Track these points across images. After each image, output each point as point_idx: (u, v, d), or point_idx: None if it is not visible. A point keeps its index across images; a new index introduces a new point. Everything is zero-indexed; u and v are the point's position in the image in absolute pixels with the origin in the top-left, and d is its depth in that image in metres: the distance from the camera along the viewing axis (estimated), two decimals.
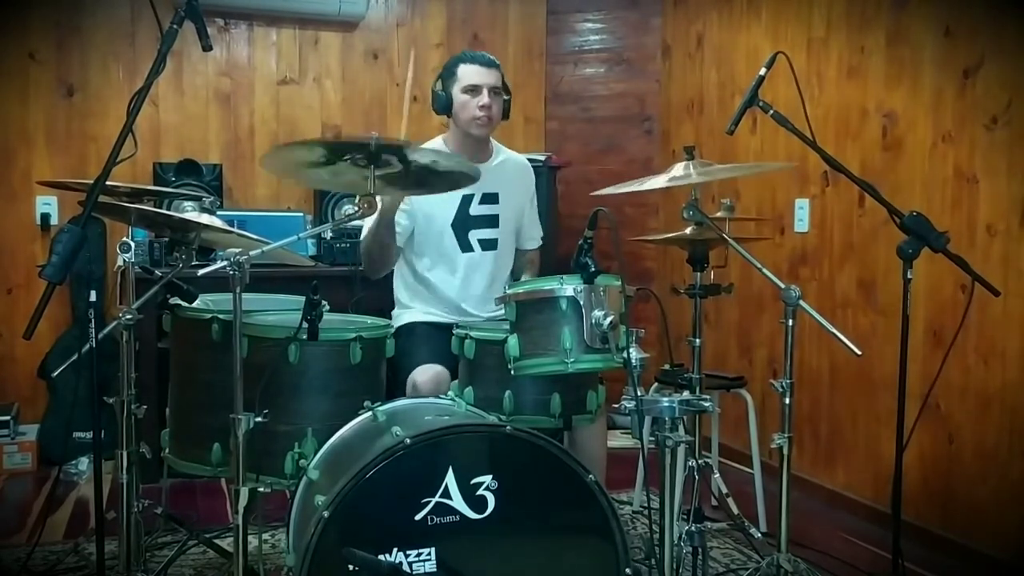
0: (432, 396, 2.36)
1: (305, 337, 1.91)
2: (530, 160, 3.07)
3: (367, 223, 2.62)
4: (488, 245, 2.76)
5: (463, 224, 2.73)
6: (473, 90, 2.68)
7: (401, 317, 2.78)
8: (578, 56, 4.75)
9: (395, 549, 1.73)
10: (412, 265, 2.78)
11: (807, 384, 3.51)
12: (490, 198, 2.76)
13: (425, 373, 2.45)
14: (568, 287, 1.99)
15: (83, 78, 4.03)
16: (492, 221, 2.77)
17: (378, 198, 2.19)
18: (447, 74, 2.75)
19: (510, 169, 2.86)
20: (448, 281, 2.74)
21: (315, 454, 1.97)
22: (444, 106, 2.74)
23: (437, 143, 2.83)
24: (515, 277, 2.89)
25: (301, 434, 1.99)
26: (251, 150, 4.30)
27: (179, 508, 2.99)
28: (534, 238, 2.98)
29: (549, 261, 3.36)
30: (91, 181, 1.85)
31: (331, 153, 1.95)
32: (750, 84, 2.15)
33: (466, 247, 2.74)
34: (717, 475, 2.73)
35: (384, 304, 2.94)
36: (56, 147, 4.00)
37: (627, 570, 1.86)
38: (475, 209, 2.74)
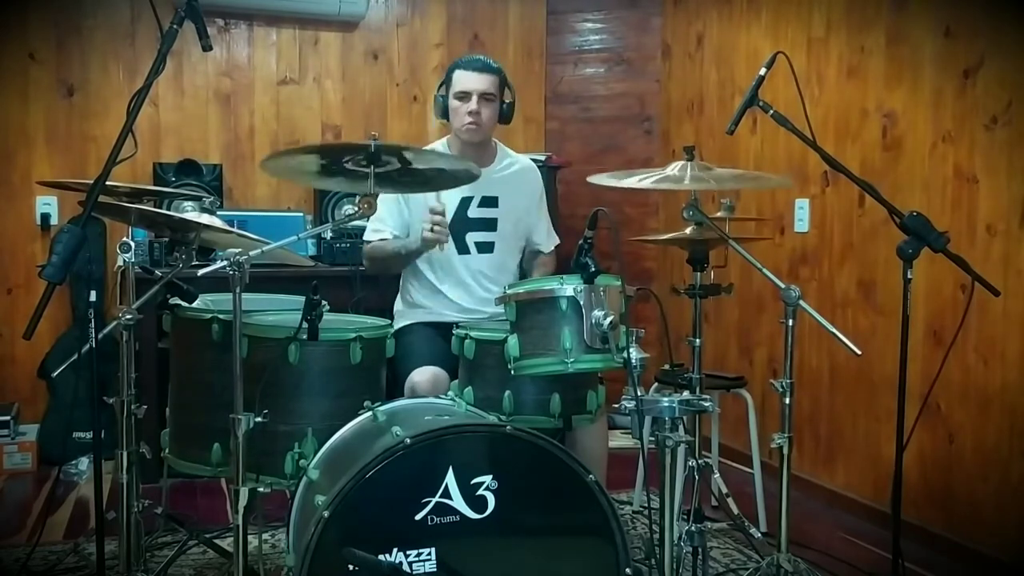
0: (430, 397, 2.36)
1: (305, 337, 1.91)
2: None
3: (392, 234, 2.73)
4: (484, 248, 2.77)
5: (461, 226, 2.73)
6: (463, 96, 2.69)
7: (402, 318, 2.78)
8: (578, 56, 4.75)
9: (395, 549, 1.73)
10: (416, 265, 2.78)
11: (807, 384, 3.51)
12: (489, 201, 2.76)
13: (423, 374, 2.45)
14: (568, 287, 1.99)
15: (83, 78, 4.03)
16: (490, 225, 2.77)
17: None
18: (446, 79, 2.76)
19: (514, 173, 2.85)
20: (445, 283, 2.74)
21: (315, 454, 1.97)
22: (440, 111, 2.76)
23: (440, 145, 2.83)
24: None
25: (301, 434, 1.99)
26: (251, 150, 4.30)
27: (179, 508, 2.99)
28: (545, 241, 2.94)
29: None
30: (91, 181, 1.85)
31: (330, 161, 1.97)
32: (750, 84, 2.15)
33: (463, 249, 2.74)
34: (717, 475, 2.72)
35: (384, 304, 2.94)
36: (56, 147, 4.00)
37: (627, 570, 1.86)
38: (473, 212, 2.74)
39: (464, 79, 2.69)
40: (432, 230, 2.49)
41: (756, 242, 3.68)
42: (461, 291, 2.74)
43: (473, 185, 2.69)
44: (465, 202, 2.73)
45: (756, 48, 3.84)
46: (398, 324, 2.74)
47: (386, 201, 2.70)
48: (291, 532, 1.95)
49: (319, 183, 3.51)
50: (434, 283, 2.75)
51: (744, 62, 3.94)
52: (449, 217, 2.71)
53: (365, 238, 2.80)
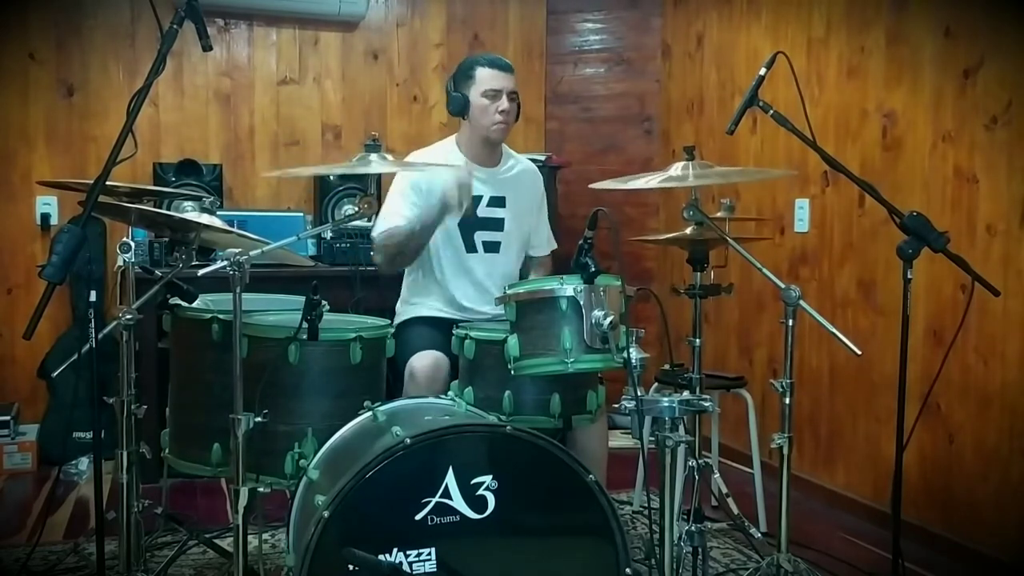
0: (430, 384, 2.36)
1: (305, 337, 1.91)
2: (530, 159, 3.06)
3: (407, 219, 2.63)
4: (491, 247, 2.77)
5: (469, 225, 2.72)
6: (494, 95, 2.68)
7: (404, 313, 2.79)
8: (578, 56, 4.75)
9: (395, 549, 1.73)
10: (424, 262, 2.78)
11: (807, 384, 3.51)
12: (497, 201, 2.76)
13: (423, 360, 2.44)
14: (568, 287, 1.99)
15: (83, 78, 4.03)
16: (497, 224, 2.77)
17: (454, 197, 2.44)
18: (463, 76, 2.73)
19: (520, 175, 2.86)
20: (453, 280, 2.74)
21: (315, 454, 1.97)
22: (461, 108, 2.71)
23: (449, 144, 2.82)
24: None
25: (301, 434, 2.00)
26: (251, 150, 4.30)
27: (179, 508, 2.99)
28: (543, 244, 2.95)
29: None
30: (91, 181, 1.85)
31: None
32: (750, 84, 2.15)
33: (470, 248, 2.74)
34: (717, 475, 2.72)
35: (384, 304, 2.94)
36: (56, 147, 4.00)
37: (627, 570, 1.86)
38: (482, 211, 2.74)
39: (492, 78, 2.68)
40: (457, 187, 2.50)
41: (756, 242, 3.68)
42: (465, 289, 2.74)
43: (482, 184, 2.71)
44: (474, 200, 2.72)
45: (756, 48, 3.84)
46: (399, 319, 2.75)
47: (403, 194, 2.68)
48: (291, 532, 1.95)
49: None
50: (439, 279, 2.74)
51: (744, 62, 3.94)
52: (458, 216, 2.71)
53: (375, 231, 2.71)
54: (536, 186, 2.92)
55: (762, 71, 2.14)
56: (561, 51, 4.77)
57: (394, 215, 2.67)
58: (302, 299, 1.90)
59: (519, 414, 2.15)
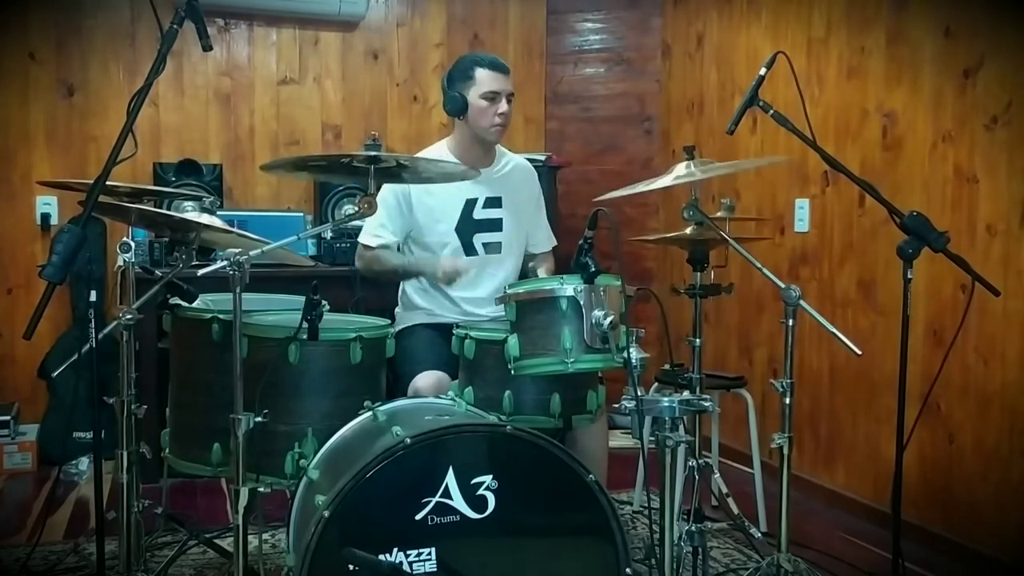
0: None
1: (305, 337, 1.91)
2: (530, 160, 3.06)
3: (394, 260, 2.72)
4: (492, 249, 2.76)
5: (467, 228, 2.72)
6: (493, 97, 2.67)
7: (404, 319, 2.78)
8: (578, 56, 4.75)
9: (395, 549, 1.73)
10: None
11: (807, 384, 3.51)
12: (494, 202, 2.75)
13: (427, 380, 2.45)
14: (568, 287, 1.99)
15: (83, 78, 4.03)
16: (496, 225, 2.76)
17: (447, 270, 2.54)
18: (461, 76, 2.71)
19: (514, 173, 2.85)
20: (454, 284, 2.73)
21: (315, 454, 1.97)
22: (459, 108, 2.70)
23: (441, 148, 2.81)
24: None
25: (301, 434, 1.99)
26: (251, 150, 4.30)
27: (179, 508, 2.99)
28: (543, 242, 2.95)
29: None
30: (91, 181, 1.85)
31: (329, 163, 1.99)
32: (750, 84, 2.15)
33: (471, 251, 2.73)
34: (717, 475, 2.72)
35: (384, 304, 2.94)
36: (56, 147, 4.00)
37: (627, 570, 1.86)
38: (479, 213, 2.73)
39: (492, 80, 2.68)
40: (447, 272, 2.57)
41: (756, 242, 3.68)
42: (468, 292, 2.73)
43: (476, 186, 2.70)
44: (470, 204, 2.72)
45: (756, 48, 3.84)
46: (399, 326, 2.74)
47: (386, 204, 2.67)
48: (291, 532, 1.95)
49: (319, 177, 3.54)
50: (439, 285, 2.74)
51: (744, 62, 3.94)
52: (454, 222, 2.71)
53: (363, 240, 2.75)
54: (531, 182, 2.92)
55: (762, 71, 2.14)
56: (561, 51, 4.77)
57: (382, 231, 2.71)
58: (302, 299, 1.90)
59: (519, 414, 2.15)
